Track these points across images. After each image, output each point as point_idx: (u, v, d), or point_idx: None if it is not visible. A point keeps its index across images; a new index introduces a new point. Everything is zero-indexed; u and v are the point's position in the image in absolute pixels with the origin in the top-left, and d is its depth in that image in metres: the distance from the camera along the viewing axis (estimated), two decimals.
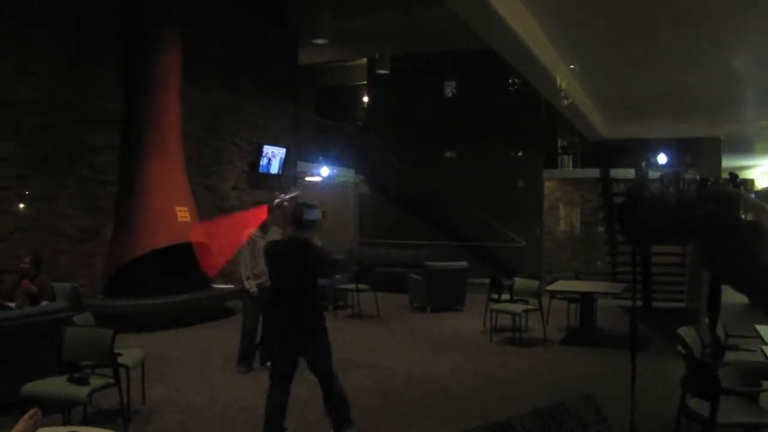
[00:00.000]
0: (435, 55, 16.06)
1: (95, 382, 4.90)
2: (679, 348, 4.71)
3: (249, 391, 6.36)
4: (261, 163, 12.99)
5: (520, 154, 16.81)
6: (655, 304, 11.08)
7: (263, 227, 7.18)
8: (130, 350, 5.69)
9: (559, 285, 10.09)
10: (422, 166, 16.64)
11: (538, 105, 15.01)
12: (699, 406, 4.23)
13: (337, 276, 11.48)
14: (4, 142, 8.35)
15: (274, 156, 13.29)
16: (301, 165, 14.95)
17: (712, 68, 7.12)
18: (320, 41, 13.71)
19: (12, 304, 6.70)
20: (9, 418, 3.61)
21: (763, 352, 4.87)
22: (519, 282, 9.54)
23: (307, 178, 15.37)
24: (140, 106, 10.06)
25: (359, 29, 14.23)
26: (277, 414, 4.73)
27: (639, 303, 10.30)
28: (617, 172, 13.19)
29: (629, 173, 13.91)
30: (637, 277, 9.03)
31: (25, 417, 2.42)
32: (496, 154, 16.50)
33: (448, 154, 17.52)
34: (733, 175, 4.78)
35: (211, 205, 11.99)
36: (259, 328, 7.18)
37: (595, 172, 13.35)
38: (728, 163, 14.31)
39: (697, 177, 4.31)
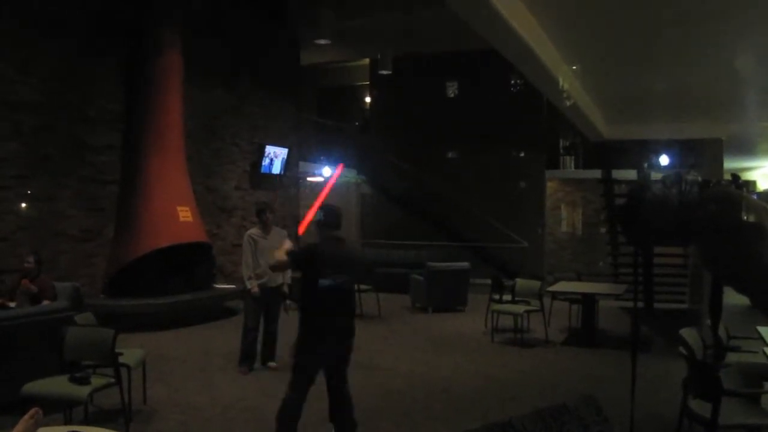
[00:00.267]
0: (436, 55, 16.07)
1: (96, 381, 4.90)
2: (681, 349, 4.71)
3: (250, 392, 6.36)
4: (263, 163, 13.00)
5: (521, 154, 16.80)
6: (656, 305, 11.05)
7: (264, 227, 7.19)
8: (131, 350, 5.69)
9: (561, 286, 10.07)
10: (424, 167, 16.63)
11: (540, 105, 14.99)
12: (700, 407, 4.22)
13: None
14: (4, 142, 8.36)
15: (276, 156, 13.29)
16: (303, 165, 14.96)
17: (713, 69, 7.11)
18: (322, 41, 13.73)
19: (13, 304, 6.71)
20: (10, 417, 3.60)
21: (764, 353, 4.87)
22: (520, 283, 9.54)
23: (309, 179, 15.38)
24: (141, 106, 10.07)
25: (361, 29, 14.22)
26: (295, 424, 4.69)
27: (641, 304, 10.23)
28: (619, 173, 13.16)
29: (631, 174, 13.88)
30: (638, 278, 9.00)
31: (26, 417, 2.41)
32: (497, 154, 16.50)
33: (449, 154, 17.53)
34: (735, 177, 4.78)
35: (213, 205, 11.99)
36: (261, 329, 7.19)
37: (597, 173, 13.35)
38: (730, 164, 14.29)
39: (699, 178, 4.31)
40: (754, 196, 6.56)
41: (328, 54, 15.71)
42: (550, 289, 9.72)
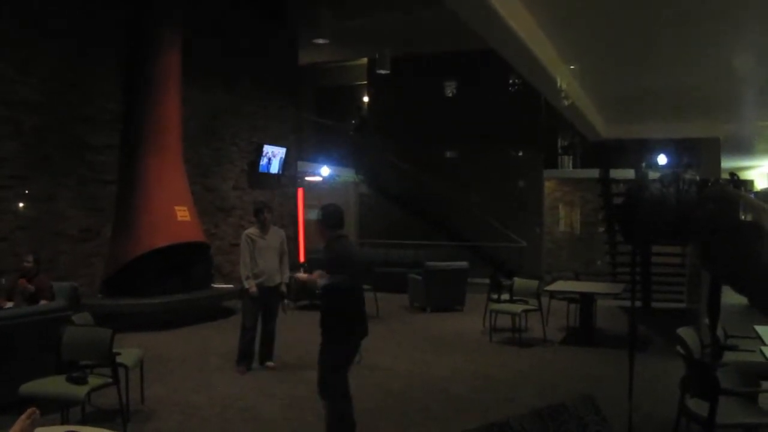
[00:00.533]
0: (435, 55, 16.08)
1: (94, 381, 4.89)
2: (679, 348, 4.71)
3: (248, 391, 6.36)
4: (261, 163, 13.00)
5: (520, 154, 16.82)
6: (654, 304, 11.06)
7: (262, 227, 7.18)
8: (128, 350, 5.69)
9: (559, 285, 10.08)
10: (422, 166, 16.64)
11: (538, 105, 15.01)
12: (698, 406, 4.23)
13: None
14: (4, 142, 8.35)
15: (274, 156, 13.29)
16: (302, 165, 14.96)
17: (711, 68, 7.11)
18: (320, 41, 13.73)
19: (10, 304, 6.70)
20: (7, 417, 3.60)
21: (762, 352, 4.86)
22: (519, 282, 9.54)
23: (307, 178, 15.38)
24: (140, 105, 10.06)
25: (359, 29, 14.22)
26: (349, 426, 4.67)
27: (638, 303, 10.27)
28: (617, 173, 13.17)
29: (629, 174, 13.91)
30: (636, 277, 9.02)
31: (23, 417, 2.41)
32: (496, 154, 16.52)
33: (448, 154, 17.54)
34: (734, 176, 4.79)
35: (211, 204, 11.99)
36: (259, 328, 7.18)
37: (594, 173, 13.34)
38: (728, 163, 14.29)
39: (697, 178, 4.31)
40: (752, 196, 6.56)
41: (327, 53, 15.72)
42: (548, 288, 9.72)
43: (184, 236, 10.05)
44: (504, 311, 9.13)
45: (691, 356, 4.61)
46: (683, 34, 5.80)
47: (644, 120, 11.15)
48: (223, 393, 6.30)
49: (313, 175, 15.49)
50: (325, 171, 15.63)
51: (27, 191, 8.65)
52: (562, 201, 17.84)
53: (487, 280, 10.16)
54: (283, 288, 7.26)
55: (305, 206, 14.40)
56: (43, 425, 2.64)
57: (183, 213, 10.13)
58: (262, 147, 12.94)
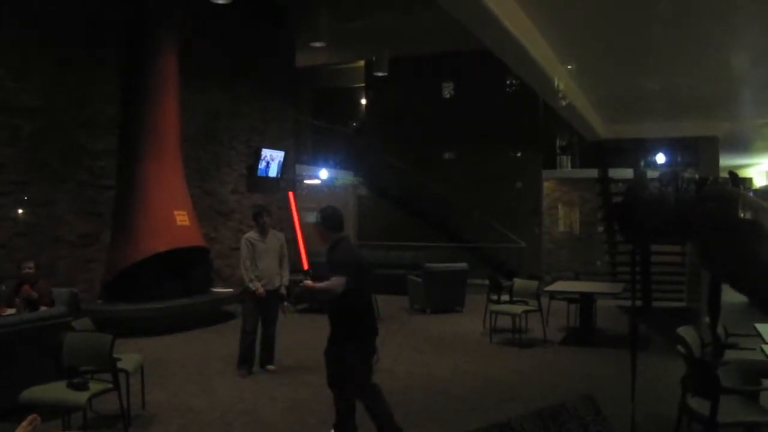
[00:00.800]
0: (433, 56, 16.07)
1: (95, 387, 4.89)
2: (679, 347, 4.71)
3: (249, 395, 6.35)
4: (260, 167, 12.99)
5: (518, 154, 16.82)
6: (654, 303, 11.09)
7: (262, 231, 7.18)
8: (129, 355, 5.68)
9: (559, 285, 10.08)
10: (421, 168, 16.65)
11: (536, 105, 15.02)
12: (699, 405, 4.23)
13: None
14: (2, 148, 8.34)
15: (272, 159, 13.28)
16: (300, 168, 14.95)
17: (709, 68, 7.13)
18: (318, 44, 13.73)
19: (11, 310, 6.68)
20: (8, 424, 3.59)
21: (762, 350, 4.87)
22: (518, 283, 9.54)
23: (306, 181, 15.38)
24: (138, 109, 10.04)
25: (356, 32, 14.22)
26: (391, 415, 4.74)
27: (639, 303, 10.29)
28: (616, 172, 13.19)
29: (628, 173, 13.92)
30: (636, 276, 9.03)
31: (24, 423, 2.40)
32: (494, 155, 16.51)
33: (446, 155, 17.53)
34: (733, 174, 4.79)
35: (210, 208, 11.98)
36: (259, 332, 7.18)
37: (593, 173, 13.36)
38: (726, 162, 14.32)
39: (696, 176, 4.32)
40: (751, 194, 6.57)
41: (324, 56, 15.72)
42: (548, 288, 9.72)
43: (183, 241, 10.04)
44: (504, 312, 9.12)
45: (691, 355, 4.61)
46: (681, 33, 5.81)
47: (642, 119, 11.17)
48: (223, 397, 6.29)
49: (312, 177, 15.48)
50: (324, 174, 15.62)
51: (26, 197, 8.64)
52: (561, 201, 17.85)
53: (486, 281, 10.16)
54: (283, 290, 7.26)
55: (304, 209, 14.39)
56: None
57: (182, 217, 10.12)
58: (260, 150, 12.94)
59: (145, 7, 10.14)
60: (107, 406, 5.52)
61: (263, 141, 13.28)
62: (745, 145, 14.81)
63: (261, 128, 13.42)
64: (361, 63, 17.78)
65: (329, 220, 4.79)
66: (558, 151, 18.01)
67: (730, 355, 5.65)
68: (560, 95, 7.38)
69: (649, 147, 14.31)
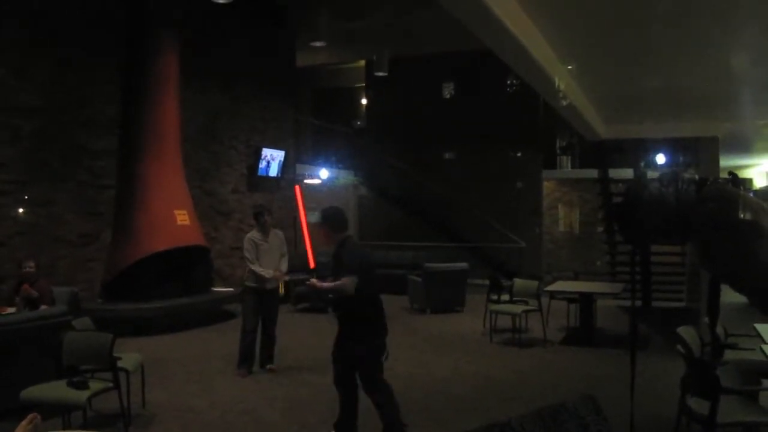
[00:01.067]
0: (433, 56, 16.06)
1: (95, 386, 4.89)
2: (679, 347, 4.71)
3: (249, 394, 6.36)
4: (260, 166, 12.99)
5: (518, 154, 16.80)
6: (654, 303, 11.08)
7: (263, 230, 7.19)
8: (129, 354, 5.69)
9: (559, 285, 10.08)
10: (421, 168, 16.64)
11: (537, 105, 15.01)
12: (699, 405, 4.23)
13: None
14: (2, 147, 8.35)
15: (273, 159, 13.28)
16: (300, 167, 14.95)
17: (710, 67, 7.12)
18: (318, 44, 13.72)
19: (11, 309, 6.69)
20: (8, 423, 3.59)
21: (762, 350, 4.87)
22: (518, 283, 9.54)
23: (306, 181, 15.38)
24: (139, 109, 10.04)
25: (356, 31, 14.23)
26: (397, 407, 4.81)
27: (638, 303, 10.29)
28: (616, 173, 13.19)
29: (628, 173, 13.92)
30: (636, 276, 9.03)
31: (24, 422, 2.40)
32: (494, 155, 16.49)
33: (446, 155, 17.51)
34: (734, 175, 4.79)
35: (210, 208, 11.98)
36: (259, 331, 7.18)
37: (593, 173, 13.35)
38: (726, 162, 14.32)
39: (696, 176, 4.32)
40: (751, 194, 6.57)
41: (325, 56, 15.72)
42: (548, 288, 9.72)
43: (183, 240, 10.05)
44: (504, 312, 9.13)
45: (691, 355, 4.61)
46: (681, 33, 5.81)
47: (643, 119, 11.16)
48: (224, 396, 6.30)
49: (312, 177, 15.48)
50: (324, 173, 15.62)
51: (26, 196, 8.65)
52: (561, 201, 17.85)
53: (486, 281, 10.16)
54: (282, 290, 7.27)
55: (304, 209, 14.40)
56: (44, 431, 2.64)
57: (182, 217, 10.12)
58: (260, 150, 12.94)
59: (145, 7, 10.14)
60: (107, 405, 5.53)
61: (263, 141, 13.28)
62: (745, 146, 14.80)
63: (261, 128, 13.42)
64: (361, 63, 17.77)
65: (333, 220, 4.80)
66: (558, 151, 17.99)
67: (729, 355, 5.66)
68: (561, 95, 7.38)
69: (649, 147, 14.32)
